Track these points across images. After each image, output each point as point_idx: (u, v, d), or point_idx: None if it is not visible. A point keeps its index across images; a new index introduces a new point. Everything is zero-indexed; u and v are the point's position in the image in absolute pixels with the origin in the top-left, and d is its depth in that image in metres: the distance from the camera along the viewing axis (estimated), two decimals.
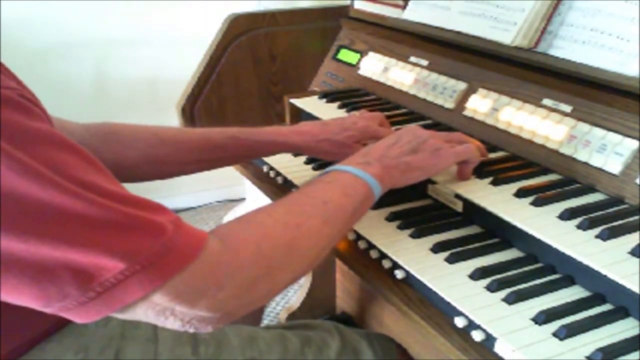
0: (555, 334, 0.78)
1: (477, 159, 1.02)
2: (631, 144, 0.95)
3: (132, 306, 0.64)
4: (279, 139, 1.10)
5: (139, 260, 0.62)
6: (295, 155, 1.31)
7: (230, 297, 0.69)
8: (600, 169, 0.98)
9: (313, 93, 1.50)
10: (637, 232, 0.86)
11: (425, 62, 1.37)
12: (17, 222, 0.59)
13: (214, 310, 0.68)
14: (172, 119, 1.64)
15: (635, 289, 0.76)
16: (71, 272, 0.61)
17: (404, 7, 1.45)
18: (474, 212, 1.01)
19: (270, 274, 0.74)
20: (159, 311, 0.66)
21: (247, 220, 0.78)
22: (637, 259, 0.81)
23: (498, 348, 0.78)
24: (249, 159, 1.28)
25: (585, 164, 1.00)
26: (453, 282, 0.88)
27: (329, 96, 1.44)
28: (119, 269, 0.62)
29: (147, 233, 0.64)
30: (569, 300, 0.85)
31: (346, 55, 1.57)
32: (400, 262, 0.93)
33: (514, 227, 0.91)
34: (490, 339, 0.79)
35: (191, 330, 0.69)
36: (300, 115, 1.47)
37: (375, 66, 1.47)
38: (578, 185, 1.00)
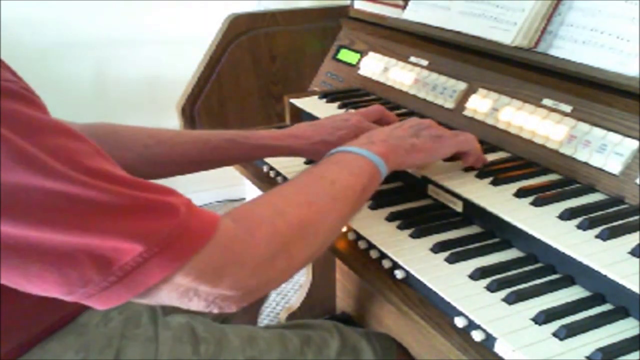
0: (555, 334, 0.78)
1: (477, 151, 1.04)
2: (631, 144, 0.95)
3: (155, 289, 0.65)
4: (274, 143, 1.11)
5: (157, 242, 0.63)
6: None
7: (250, 274, 0.70)
8: (600, 169, 0.98)
9: (313, 93, 1.50)
10: (637, 232, 0.86)
11: (425, 62, 1.37)
12: (30, 212, 0.59)
13: (236, 288, 0.69)
14: (172, 119, 1.64)
15: (635, 289, 0.76)
16: (90, 257, 0.61)
17: (404, 7, 1.45)
18: (474, 212, 1.01)
19: (287, 250, 0.75)
20: (182, 292, 0.66)
21: (258, 202, 0.79)
22: (637, 259, 0.81)
23: (498, 348, 0.78)
24: (245, 161, 1.30)
25: (585, 164, 1.00)
26: (453, 282, 0.88)
27: (329, 96, 1.44)
28: (138, 251, 0.62)
29: (161, 214, 0.65)
30: (569, 300, 0.85)
31: (346, 55, 1.57)
32: (400, 262, 0.93)
33: (514, 227, 0.91)
34: (490, 339, 0.79)
35: (215, 311, 0.70)
36: (300, 115, 1.47)
37: (375, 66, 1.47)
38: (578, 185, 1.00)
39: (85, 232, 0.61)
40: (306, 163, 1.28)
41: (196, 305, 0.69)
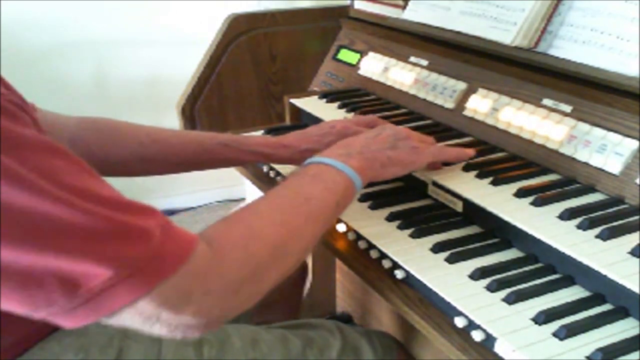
0: (555, 334, 0.78)
1: (453, 160, 1.06)
2: (631, 144, 0.95)
3: (119, 313, 0.64)
4: (265, 150, 1.13)
5: (127, 267, 0.62)
6: None
7: (216, 302, 0.69)
8: (600, 169, 0.98)
9: (313, 93, 1.50)
10: (637, 232, 0.86)
11: (425, 62, 1.37)
12: (3, 229, 0.58)
13: (199, 316, 0.68)
14: (172, 119, 1.64)
15: (635, 289, 0.77)
16: (58, 279, 0.60)
17: (404, 7, 1.45)
18: (474, 212, 1.01)
19: (257, 274, 0.73)
20: (145, 318, 0.65)
21: (233, 220, 0.78)
22: (637, 259, 0.81)
23: (498, 348, 0.78)
24: (238, 165, 1.30)
25: (585, 164, 1.00)
26: (453, 282, 0.88)
27: (329, 96, 1.44)
28: (107, 276, 0.61)
29: (135, 239, 0.63)
30: (569, 300, 0.85)
31: (346, 55, 1.57)
32: (400, 262, 0.93)
33: (514, 227, 0.91)
34: (490, 339, 0.80)
35: (179, 337, 0.69)
36: (300, 115, 1.47)
37: (375, 66, 1.47)
38: (578, 185, 1.00)
39: (57, 254, 0.60)
40: None
41: (158, 330, 0.67)
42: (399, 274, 0.94)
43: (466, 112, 1.22)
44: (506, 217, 0.92)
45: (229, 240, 0.73)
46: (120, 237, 0.63)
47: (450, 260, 0.93)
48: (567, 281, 0.89)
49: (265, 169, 1.30)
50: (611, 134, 0.98)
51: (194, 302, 0.67)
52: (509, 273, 0.90)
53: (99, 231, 0.62)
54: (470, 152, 1.08)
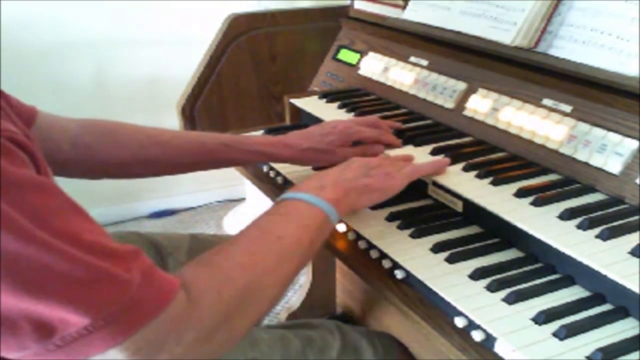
0: (555, 334, 0.78)
1: (431, 174, 1.05)
2: (631, 144, 0.95)
3: (90, 358, 0.63)
4: (267, 150, 1.13)
5: (104, 316, 0.61)
6: None
7: (188, 351, 0.68)
8: (600, 169, 0.98)
9: (313, 93, 1.50)
10: (637, 232, 0.86)
11: (425, 62, 1.37)
12: None
13: None
14: (172, 119, 1.64)
15: (635, 289, 0.77)
16: (34, 325, 0.60)
17: (404, 7, 1.45)
18: (474, 212, 1.01)
19: (229, 321, 0.72)
20: None
21: (207, 263, 0.76)
22: (637, 259, 0.81)
23: (498, 348, 0.78)
24: (239, 165, 1.30)
25: (585, 164, 1.00)
26: (453, 282, 0.88)
27: (329, 96, 1.44)
28: (83, 324, 0.61)
29: (115, 287, 0.63)
30: (569, 300, 0.85)
31: (346, 55, 1.57)
32: (400, 262, 0.93)
33: (514, 227, 0.91)
34: (490, 339, 0.79)
35: None
36: (300, 115, 1.47)
37: (375, 66, 1.47)
38: (578, 185, 1.00)
39: (35, 299, 0.59)
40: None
41: None
42: (399, 274, 0.94)
43: (466, 112, 1.22)
44: (506, 217, 0.92)
45: (203, 287, 0.71)
46: (100, 284, 0.62)
47: (450, 260, 0.93)
48: (567, 281, 0.89)
49: (265, 169, 1.30)
50: (611, 134, 0.98)
51: (166, 352, 0.66)
52: (509, 273, 0.90)
53: (79, 278, 0.61)
54: (446, 160, 1.07)
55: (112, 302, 0.62)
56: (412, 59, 1.40)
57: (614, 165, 0.96)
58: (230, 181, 2.77)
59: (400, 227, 1.02)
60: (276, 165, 1.27)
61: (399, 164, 1.04)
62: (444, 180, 1.04)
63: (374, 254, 0.99)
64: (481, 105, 1.19)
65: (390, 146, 1.17)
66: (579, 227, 0.88)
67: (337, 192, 0.89)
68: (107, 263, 0.63)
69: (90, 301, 0.61)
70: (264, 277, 0.77)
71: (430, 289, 0.88)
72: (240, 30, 1.60)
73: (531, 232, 0.88)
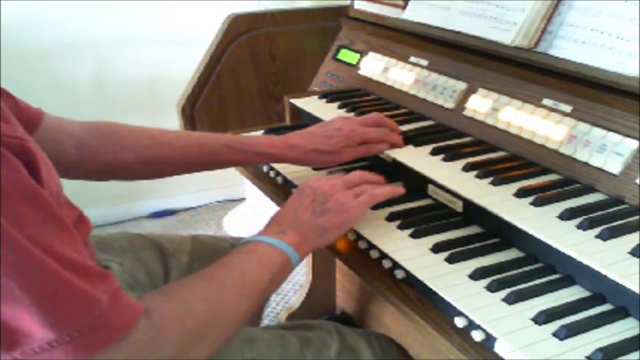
0: (555, 334, 0.78)
1: (387, 199, 1.04)
2: (631, 144, 0.95)
3: None
4: (271, 151, 1.13)
5: (69, 333, 0.62)
6: None
7: None
8: (600, 169, 0.98)
9: (313, 93, 1.50)
10: (637, 232, 0.86)
11: (425, 62, 1.37)
12: None
13: None
14: (172, 119, 1.64)
15: (635, 289, 0.77)
16: (2, 331, 0.60)
17: (404, 7, 1.45)
18: (474, 212, 1.01)
19: (187, 351, 0.74)
20: None
21: (173, 294, 0.78)
22: (637, 259, 0.81)
23: (498, 348, 0.78)
24: (242, 165, 1.30)
25: (585, 164, 1.00)
26: (453, 282, 0.88)
27: (329, 96, 1.44)
28: (48, 338, 0.61)
29: (83, 305, 0.63)
30: (569, 300, 0.85)
31: (346, 55, 1.57)
32: (400, 262, 0.93)
33: (514, 227, 0.91)
34: (490, 339, 0.80)
35: None
36: (300, 115, 1.47)
37: (375, 66, 1.47)
38: (578, 185, 1.00)
39: (3, 304, 0.59)
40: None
41: None
42: (399, 274, 0.94)
43: (466, 112, 1.22)
44: (506, 217, 0.92)
45: (166, 316, 0.73)
46: (70, 299, 0.63)
47: (450, 260, 0.93)
48: (567, 281, 0.89)
49: (265, 169, 1.30)
50: (611, 134, 0.98)
51: None
52: (509, 273, 0.90)
53: (50, 290, 0.61)
54: (401, 190, 1.06)
55: (79, 318, 0.63)
56: (412, 59, 1.40)
57: (614, 165, 0.96)
58: (230, 181, 2.77)
59: (400, 227, 1.02)
60: (276, 165, 1.27)
61: (355, 190, 1.00)
62: (444, 180, 1.04)
63: (374, 254, 0.99)
64: (481, 105, 1.19)
65: (392, 145, 1.18)
66: (579, 227, 0.88)
67: (297, 237, 0.92)
68: (79, 279, 0.64)
69: (57, 314, 0.62)
70: (226, 313, 0.80)
71: (430, 289, 0.88)
72: (240, 31, 1.60)
73: (531, 232, 0.88)
